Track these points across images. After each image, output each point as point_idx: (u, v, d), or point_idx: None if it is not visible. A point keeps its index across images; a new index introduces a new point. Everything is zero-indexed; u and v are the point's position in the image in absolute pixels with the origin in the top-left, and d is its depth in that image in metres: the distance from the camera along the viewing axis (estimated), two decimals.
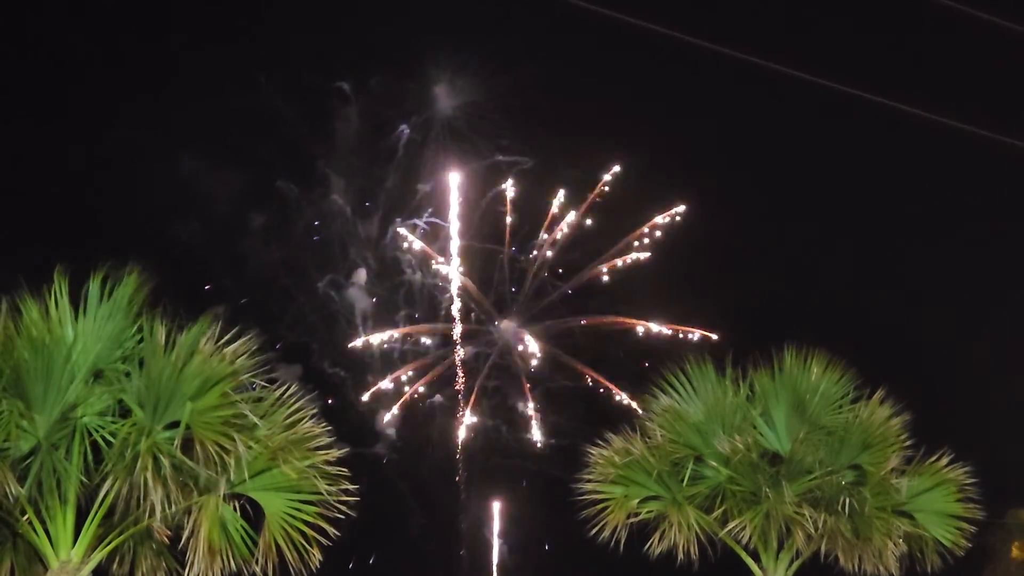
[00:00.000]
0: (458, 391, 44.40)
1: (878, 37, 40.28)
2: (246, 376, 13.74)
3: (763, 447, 15.85)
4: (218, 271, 42.09)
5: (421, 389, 44.34)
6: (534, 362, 44.49)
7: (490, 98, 44.02)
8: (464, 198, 44.16)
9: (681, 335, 43.61)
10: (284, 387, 14.03)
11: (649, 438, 16.00)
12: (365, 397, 43.13)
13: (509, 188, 44.36)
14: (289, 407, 13.82)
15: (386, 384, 43.78)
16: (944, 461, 15.94)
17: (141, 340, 13.46)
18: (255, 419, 13.34)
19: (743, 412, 15.93)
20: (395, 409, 43.52)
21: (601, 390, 44.41)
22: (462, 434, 43.99)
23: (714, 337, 43.05)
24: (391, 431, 43.28)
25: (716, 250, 41.66)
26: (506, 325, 44.34)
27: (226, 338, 13.53)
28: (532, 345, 44.38)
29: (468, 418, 43.84)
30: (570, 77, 43.10)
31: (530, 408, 44.13)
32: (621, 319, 44.02)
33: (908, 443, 16.00)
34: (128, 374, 13.26)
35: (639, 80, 42.50)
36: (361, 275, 43.91)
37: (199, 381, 13.09)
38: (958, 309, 39.40)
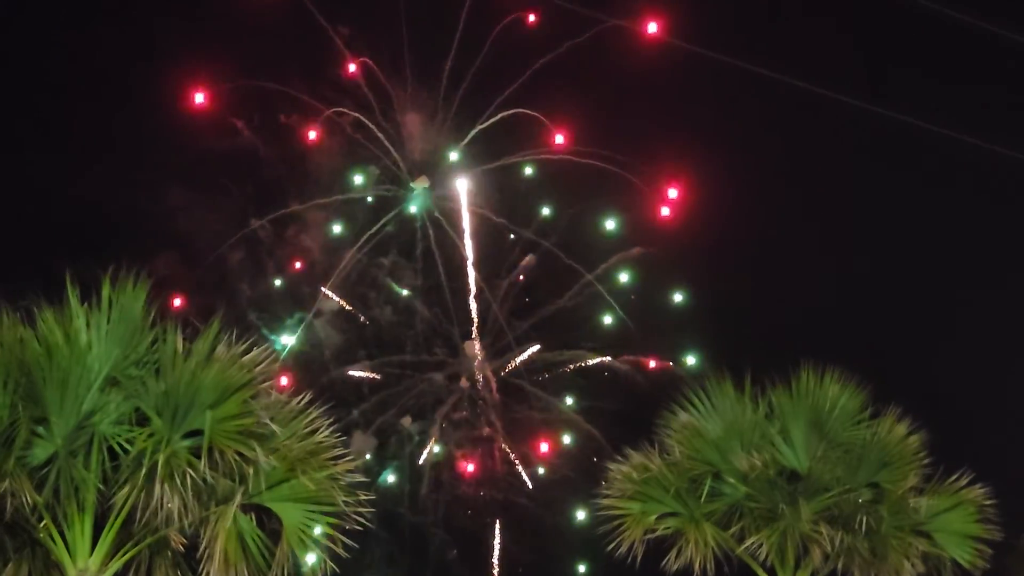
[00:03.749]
0: (425, 421, 44.43)
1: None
2: (263, 385, 13.63)
3: (781, 464, 15.71)
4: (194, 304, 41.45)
5: (390, 420, 44.26)
6: (498, 394, 44.79)
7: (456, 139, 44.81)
8: (428, 236, 44.50)
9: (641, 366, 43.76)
10: (301, 397, 13.89)
11: (667, 454, 15.91)
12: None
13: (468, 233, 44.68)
14: (306, 417, 13.68)
15: (355, 416, 43.60)
16: (963, 481, 15.85)
17: (155, 347, 13.26)
18: (275, 428, 13.18)
19: (761, 429, 15.80)
20: (367, 438, 43.45)
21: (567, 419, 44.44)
22: (428, 464, 43.89)
23: (671, 365, 43.41)
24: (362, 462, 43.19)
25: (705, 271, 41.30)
26: (470, 354, 44.54)
27: (243, 346, 13.38)
28: (495, 377, 44.78)
29: (435, 448, 43.87)
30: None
31: (497, 436, 44.27)
32: (583, 351, 44.33)
33: (926, 462, 15.92)
34: (144, 382, 13.03)
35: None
36: (330, 311, 44.01)
37: (218, 389, 12.92)
38: (976, 326, 38.90)
